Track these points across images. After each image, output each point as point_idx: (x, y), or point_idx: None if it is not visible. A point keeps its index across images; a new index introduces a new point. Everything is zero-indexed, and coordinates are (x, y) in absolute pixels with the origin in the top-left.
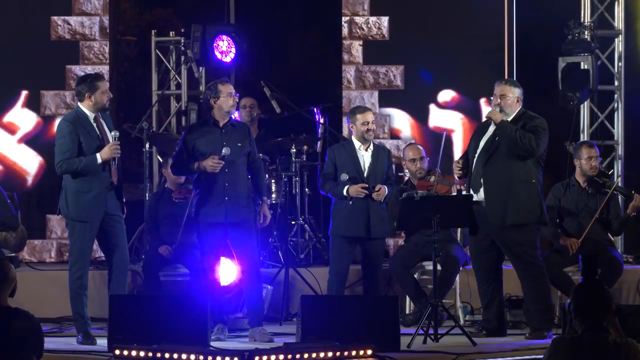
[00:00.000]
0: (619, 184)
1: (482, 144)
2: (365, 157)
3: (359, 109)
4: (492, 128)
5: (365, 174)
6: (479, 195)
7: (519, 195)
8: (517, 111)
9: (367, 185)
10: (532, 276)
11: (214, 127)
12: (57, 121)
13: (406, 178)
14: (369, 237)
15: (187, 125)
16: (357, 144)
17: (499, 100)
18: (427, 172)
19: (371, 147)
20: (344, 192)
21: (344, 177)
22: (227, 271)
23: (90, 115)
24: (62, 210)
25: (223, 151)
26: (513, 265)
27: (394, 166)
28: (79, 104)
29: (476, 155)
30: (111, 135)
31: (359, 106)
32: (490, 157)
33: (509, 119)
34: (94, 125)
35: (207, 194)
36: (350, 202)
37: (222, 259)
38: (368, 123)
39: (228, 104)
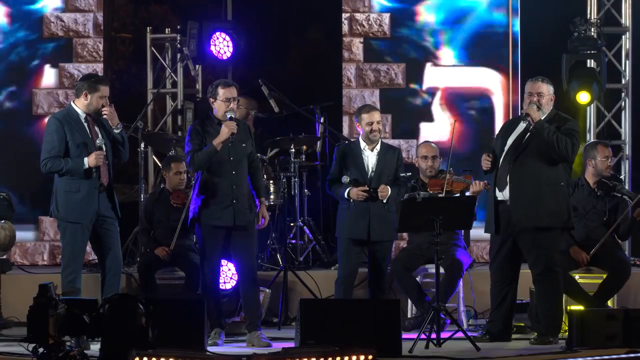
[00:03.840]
0: (627, 186)
1: (510, 141)
2: (370, 157)
3: (365, 109)
4: (521, 125)
5: (368, 175)
6: (504, 194)
7: (546, 197)
8: (550, 110)
9: (367, 188)
10: (548, 282)
11: (218, 127)
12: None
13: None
14: (369, 239)
15: (194, 121)
16: (362, 144)
17: (536, 97)
18: (439, 171)
19: (378, 147)
20: (345, 195)
21: (345, 179)
22: (226, 275)
23: (82, 114)
24: (53, 212)
25: (229, 114)
26: (530, 267)
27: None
28: (72, 101)
29: (504, 153)
30: (97, 142)
31: (365, 105)
32: (519, 156)
33: (544, 118)
34: (85, 124)
35: (213, 197)
36: (352, 204)
37: (222, 262)
38: (372, 123)
39: (222, 108)
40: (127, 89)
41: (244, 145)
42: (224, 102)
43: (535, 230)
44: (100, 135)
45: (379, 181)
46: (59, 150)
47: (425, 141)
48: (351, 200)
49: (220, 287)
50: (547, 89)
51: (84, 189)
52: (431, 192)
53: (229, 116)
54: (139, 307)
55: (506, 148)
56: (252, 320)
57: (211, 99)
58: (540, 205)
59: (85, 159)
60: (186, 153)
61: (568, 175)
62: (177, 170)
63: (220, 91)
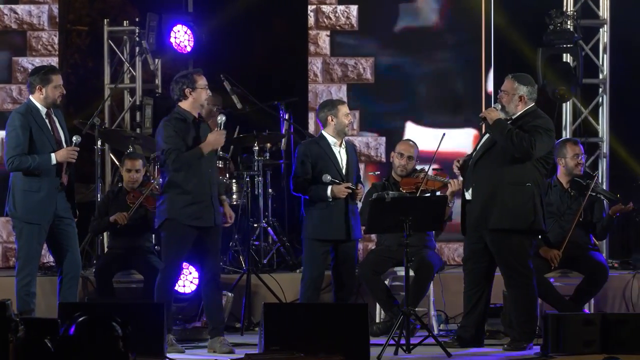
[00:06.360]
0: (603, 186)
1: (482, 142)
2: (341, 153)
3: (339, 101)
4: None
5: (343, 172)
6: (469, 194)
7: (506, 198)
8: (524, 110)
9: (350, 185)
10: (518, 286)
11: (190, 123)
12: (3, 115)
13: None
14: (348, 238)
15: (167, 117)
16: (331, 139)
17: (500, 95)
18: (413, 170)
19: (343, 143)
20: (328, 193)
21: (327, 177)
22: (186, 278)
23: (42, 109)
24: (9, 211)
25: (220, 119)
26: (500, 271)
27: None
28: (30, 96)
29: (474, 153)
30: (73, 139)
31: (334, 99)
32: (482, 155)
33: (513, 117)
34: (46, 120)
35: (193, 196)
36: (332, 203)
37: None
38: (349, 115)
39: (203, 96)
40: (83, 83)
41: None
42: (204, 89)
43: (498, 232)
44: (62, 133)
45: (350, 177)
46: (24, 147)
47: (407, 139)
48: (330, 199)
49: (180, 290)
50: (511, 87)
51: (44, 188)
52: (404, 191)
53: (219, 121)
54: (115, 329)
55: (477, 148)
56: (215, 326)
57: (187, 90)
58: (499, 206)
59: (53, 155)
60: (167, 150)
61: (540, 175)
62: (129, 167)
63: (198, 78)
